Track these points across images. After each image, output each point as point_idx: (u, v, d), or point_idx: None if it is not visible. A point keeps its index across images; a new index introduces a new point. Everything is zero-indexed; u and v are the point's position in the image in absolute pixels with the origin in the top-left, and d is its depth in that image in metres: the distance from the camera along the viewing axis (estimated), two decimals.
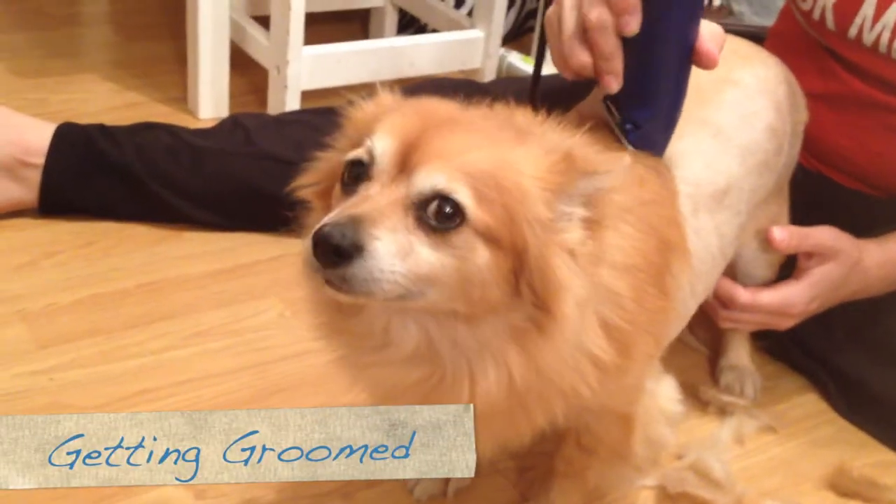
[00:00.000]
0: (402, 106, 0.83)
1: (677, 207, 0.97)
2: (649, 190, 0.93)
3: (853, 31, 1.35)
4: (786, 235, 1.18)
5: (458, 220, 0.74)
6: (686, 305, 1.02)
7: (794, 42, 1.45)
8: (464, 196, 0.74)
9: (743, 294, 1.21)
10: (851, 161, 1.45)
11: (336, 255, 0.72)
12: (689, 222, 0.98)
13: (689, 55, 0.95)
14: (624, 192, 0.83)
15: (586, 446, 1.02)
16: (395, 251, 0.73)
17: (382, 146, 0.77)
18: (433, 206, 0.74)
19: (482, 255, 0.75)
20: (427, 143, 0.76)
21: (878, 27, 1.33)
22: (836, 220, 1.50)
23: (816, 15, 1.40)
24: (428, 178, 0.74)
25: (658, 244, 0.89)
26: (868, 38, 1.33)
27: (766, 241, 1.22)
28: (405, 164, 0.76)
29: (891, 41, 1.31)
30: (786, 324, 1.26)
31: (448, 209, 0.74)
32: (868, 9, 1.32)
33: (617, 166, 0.78)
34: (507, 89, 1.70)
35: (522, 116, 0.89)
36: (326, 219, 0.73)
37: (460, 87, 1.68)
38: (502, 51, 2.22)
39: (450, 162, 0.75)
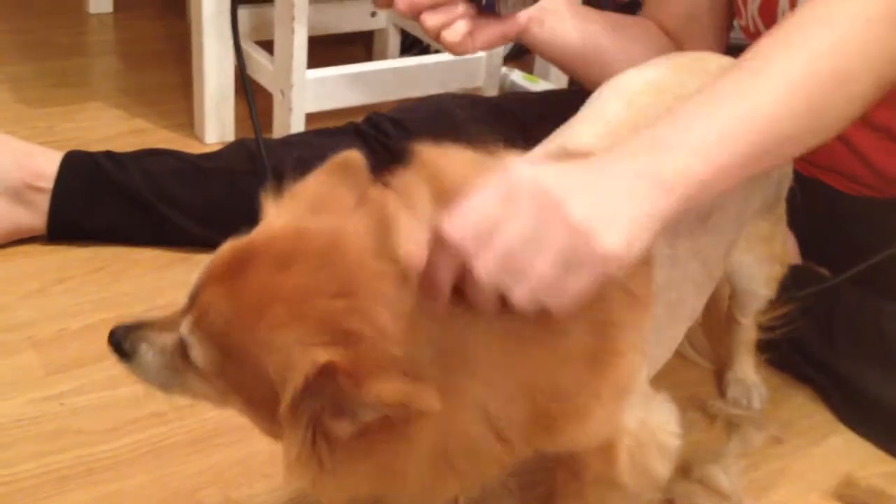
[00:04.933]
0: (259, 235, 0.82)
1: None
2: None
3: None
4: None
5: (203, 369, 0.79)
6: (667, 335, 1.00)
7: None
8: (198, 354, 0.78)
9: None
10: (840, 161, 1.47)
11: (116, 351, 0.85)
12: (665, 252, 0.94)
13: None
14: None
15: (576, 472, 1.00)
16: (161, 365, 0.83)
17: (195, 275, 0.82)
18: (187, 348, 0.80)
19: (238, 402, 0.81)
20: (204, 293, 0.79)
21: None
22: (838, 225, 1.52)
23: (751, 27, 1.44)
24: (185, 326, 0.79)
25: (591, 325, 0.83)
26: None
27: (761, 260, 1.23)
28: (194, 300, 0.80)
29: None
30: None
31: (193, 358, 0.79)
32: (784, 2, 1.36)
33: (392, 400, 0.71)
34: (510, 102, 1.73)
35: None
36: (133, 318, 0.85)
37: (463, 103, 1.71)
38: (504, 69, 2.23)
39: (203, 321, 0.78)
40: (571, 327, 0.82)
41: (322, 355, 0.72)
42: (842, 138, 1.48)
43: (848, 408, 1.39)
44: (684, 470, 1.24)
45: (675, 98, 1.06)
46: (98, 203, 1.58)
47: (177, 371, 0.82)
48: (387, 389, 0.71)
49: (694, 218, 0.99)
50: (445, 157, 0.86)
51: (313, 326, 0.74)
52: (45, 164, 1.57)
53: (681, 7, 1.51)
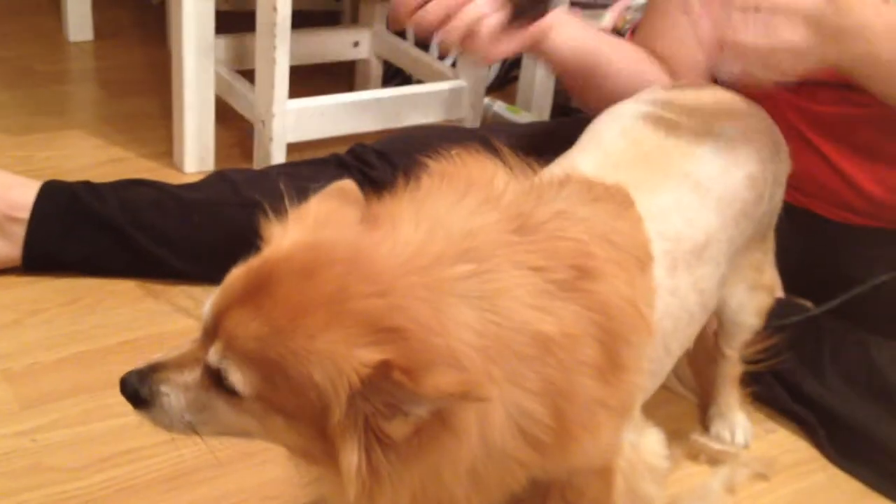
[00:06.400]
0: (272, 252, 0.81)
1: (641, 283, 0.92)
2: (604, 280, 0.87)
3: None
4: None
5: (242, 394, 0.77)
6: (661, 363, 1.01)
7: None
8: (238, 378, 0.75)
9: None
10: (830, 187, 1.47)
11: (132, 400, 0.80)
12: (665, 283, 0.96)
13: None
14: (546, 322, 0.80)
15: (570, 501, 1.00)
16: (184, 405, 0.79)
17: (207, 305, 0.80)
18: (223, 375, 0.77)
19: (278, 423, 0.77)
20: (228, 318, 0.77)
21: None
22: (827, 253, 1.52)
23: None
24: (215, 354, 0.76)
25: (603, 338, 0.85)
26: None
27: (751, 289, 1.22)
28: (216, 329, 0.77)
29: None
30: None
31: (231, 383, 0.76)
32: None
33: (452, 391, 0.70)
34: (495, 132, 1.73)
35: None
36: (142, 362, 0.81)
37: (448, 134, 1.70)
38: (487, 100, 2.23)
39: (235, 344, 0.76)
40: (584, 329, 0.83)
41: (372, 354, 0.71)
42: (829, 163, 1.49)
43: (834, 442, 1.38)
44: None
45: (670, 130, 1.07)
46: (75, 234, 1.56)
47: (204, 407, 0.79)
48: (444, 380, 0.70)
49: (690, 250, 1.00)
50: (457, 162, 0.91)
51: (356, 328, 0.73)
52: (23, 194, 1.55)
53: (672, 33, 1.51)
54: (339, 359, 0.72)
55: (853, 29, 1.10)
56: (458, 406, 0.74)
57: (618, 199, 0.96)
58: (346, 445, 0.74)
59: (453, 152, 0.94)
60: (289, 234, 0.82)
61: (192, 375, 0.79)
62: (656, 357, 0.97)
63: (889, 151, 1.46)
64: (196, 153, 1.96)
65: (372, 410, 0.73)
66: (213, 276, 1.62)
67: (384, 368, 0.71)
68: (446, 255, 0.79)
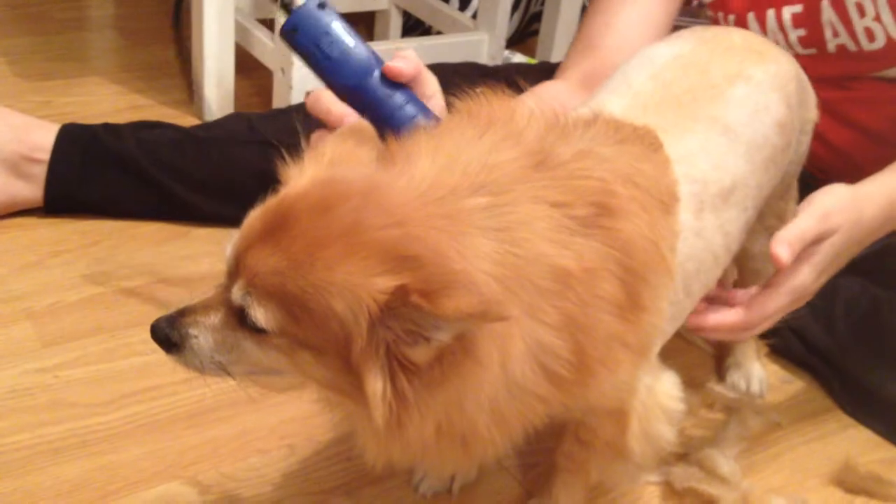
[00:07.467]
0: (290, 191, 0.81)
1: (664, 226, 0.92)
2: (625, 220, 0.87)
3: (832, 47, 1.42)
4: (787, 250, 1.03)
5: (266, 330, 0.78)
6: (682, 306, 1.01)
7: None
8: (260, 314, 0.76)
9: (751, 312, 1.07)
10: (827, 163, 1.47)
11: (163, 345, 0.82)
12: (691, 224, 0.96)
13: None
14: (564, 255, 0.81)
15: (584, 441, 1.01)
16: (213, 345, 0.81)
17: (229, 248, 0.81)
18: (246, 312, 0.78)
19: (305, 358, 0.79)
20: (248, 256, 0.77)
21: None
22: None
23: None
24: (238, 292, 0.78)
25: (623, 276, 0.85)
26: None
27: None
28: (237, 268, 0.79)
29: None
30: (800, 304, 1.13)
31: (254, 319, 0.77)
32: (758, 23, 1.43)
33: (471, 311, 0.71)
34: (511, 72, 1.70)
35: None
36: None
37: (463, 70, 1.68)
38: (506, 53, 2.22)
39: (256, 281, 0.77)
40: (604, 266, 0.83)
41: (390, 281, 0.73)
42: (824, 141, 1.47)
43: (847, 395, 1.39)
44: (682, 452, 1.24)
45: (700, 73, 1.07)
46: (95, 174, 1.57)
47: (233, 347, 0.81)
48: (463, 301, 0.71)
49: (717, 193, 1.00)
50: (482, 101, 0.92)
51: (373, 258, 0.74)
52: (43, 136, 1.56)
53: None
54: (357, 288, 0.73)
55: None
56: (478, 330, 0.75)
57: (645, 142, 0.95)
58: (370, 373, 0.75)
59: (477, 91, 0.93)
60: (305, 173, 0.83)
61: (218, 317, 0.81)
62: (677, 300, 0.97)
63: (875, 128, 1.46)
64: (216, 101, 1.96)
65: (393, 337, 0.74)
66: (231, 214, 1.64)
67: (402, 293, 0.72)
68: (462, 188, 0.79)
